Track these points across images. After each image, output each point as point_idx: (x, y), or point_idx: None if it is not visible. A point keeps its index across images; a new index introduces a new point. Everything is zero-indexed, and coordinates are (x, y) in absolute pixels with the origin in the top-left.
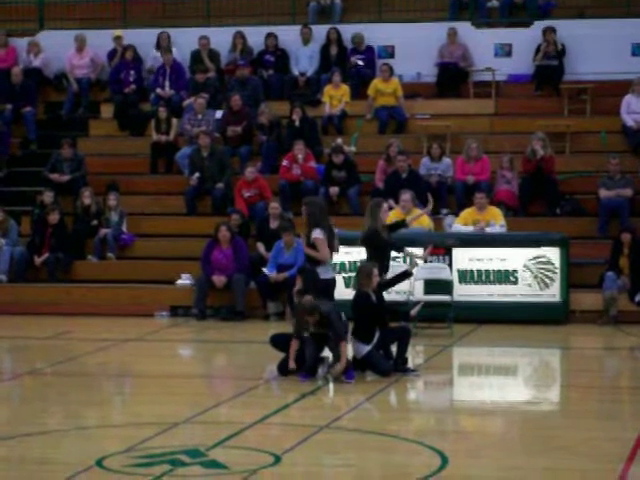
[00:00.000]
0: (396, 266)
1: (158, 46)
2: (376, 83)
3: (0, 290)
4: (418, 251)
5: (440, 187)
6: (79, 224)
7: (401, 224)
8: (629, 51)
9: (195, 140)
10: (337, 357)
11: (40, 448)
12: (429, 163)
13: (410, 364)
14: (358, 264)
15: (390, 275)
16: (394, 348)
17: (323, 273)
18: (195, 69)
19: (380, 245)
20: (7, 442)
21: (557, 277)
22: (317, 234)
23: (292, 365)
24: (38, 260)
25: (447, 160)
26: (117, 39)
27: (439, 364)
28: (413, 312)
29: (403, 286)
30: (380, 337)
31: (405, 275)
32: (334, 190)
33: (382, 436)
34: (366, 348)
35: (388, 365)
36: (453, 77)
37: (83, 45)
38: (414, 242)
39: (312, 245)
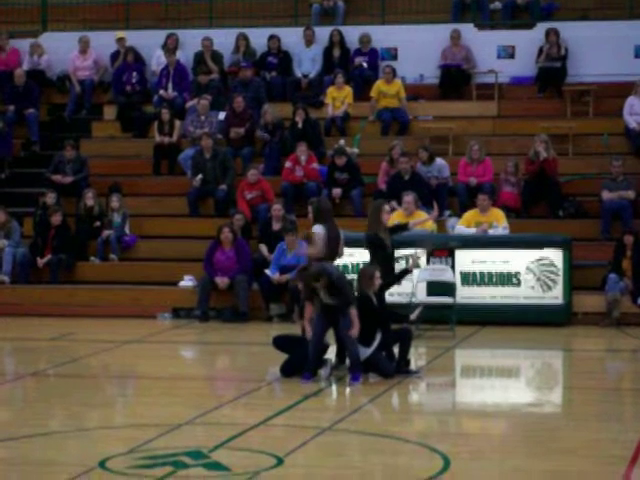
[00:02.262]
0: (399, 267)
1: (165, 46)
2: (379, 85)
3: (3, 291)
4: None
5: (441, 189)
6: (82, 225)
7: (403, 227)
8: (632, 53)
9: (198, 142)
10: (341, 358)
11: (42, 449)
12: (423, 167)
13: (412, 366)
14: (360, 266)
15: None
16: (396, 350)
17: None
18: (198, 71)
19: (380, 247)
20: (9, 443)
21: (560, 279)
22: (316, 229)
23: (309, 332)
24: (41, 261)
25: (439, 161)
26: (120, 40)
27: (441, 366)
28: (413, 316)
29: (406, 288)
30: (382, 339)
31: (404, 273)
32: (337, 192)
33: (385, 438)
34: (367, 351)
35: (390, 367)
36: (456, 79)
37: (86, 47)
38: (416, 244)
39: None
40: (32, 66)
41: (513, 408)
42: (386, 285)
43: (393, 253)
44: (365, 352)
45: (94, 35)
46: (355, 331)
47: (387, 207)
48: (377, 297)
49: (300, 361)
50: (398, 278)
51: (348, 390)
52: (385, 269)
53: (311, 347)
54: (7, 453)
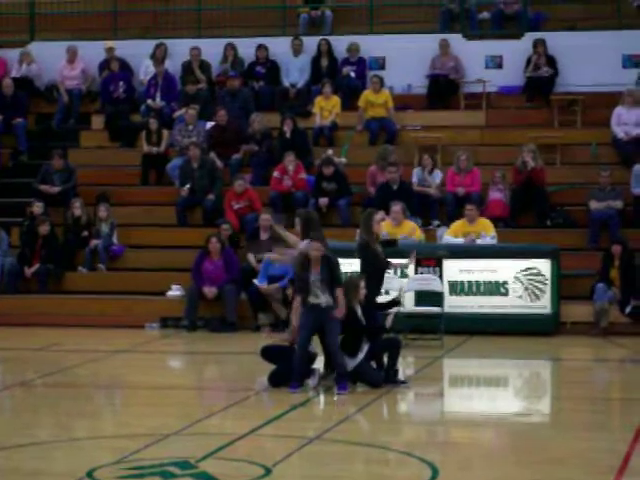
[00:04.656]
0: (388, 278)
1: (154, 56)
2: (367, 94)
3: None
4: (403, 261)
5: (432, 199)
6: (69, 235)
7: (392, 243)
8: (620, 63)
9: (186, 151)
10: (329, 368)
11: (31, 459)
12: (424, 175)
13: (401, 375)
14: (348, 276)
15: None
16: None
17: None
18: (186, 80)
19: (372, 255)
20: None
21: (548, 289)
22: (303, 245)
23: (295, 320)
24: (28, 271)
25: (437, 171)
26: (109, 50)
27: (430, 375)
28: (387, 324)
29: (393, 296)
30: (370, 348)
31: (393, 303)
32: (323, 201)
33: (373, 448)
34: (352, 362)
35: (378, 376)
36: (444, 89)
37: (74, 56)
38: (404, 254)
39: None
40: (22, 74)
41: (501, 418)
42: (375, 307)
43: (385, 262)
44: (351, 363)
45: (82, 44)
46: (340, 312)
47: (378, 216)
48: (365, 309)
49: (288, 371)
50: (386, 307)
51: (336, 400)
52: (376, 277)
53: (296, 356)
54: None
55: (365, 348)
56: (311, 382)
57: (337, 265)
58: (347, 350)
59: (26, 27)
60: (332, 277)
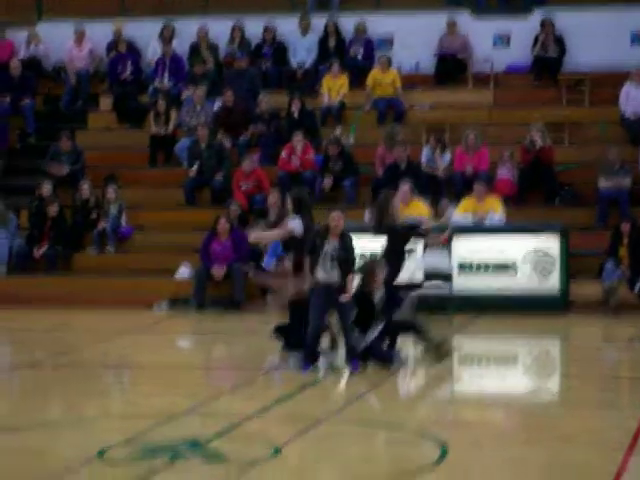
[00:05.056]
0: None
1: (161, 36)
2: (374, 74)
3: None
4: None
5: (441, 179)
6: (78, 217)
7: (418, 232)
8: (628, 40)
9: (194, 132)
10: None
11: (41, 440)
12: (435, 156)
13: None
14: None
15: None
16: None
17: None
18: (194, 61)
19: (395, 238)
20: (8, 434)
21: (556, 267)
22: (291, 223)
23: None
24: (37, 252)
25: (448, 154)
26: (117, 31)
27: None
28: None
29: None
30: (384, 328)
31: (415, 286)
32: (327, 182)
33: (383, 427)
34: (363, 341)
35: (390, 356)
36: (451, 67)
37: (82, 37)
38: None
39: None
40: (29, 55)
41: (511, 396)
42: (396, 288)
43: (405, 242)
44: (362, 342)
45: (90, 25)
46: (348, 297)
47: (395, 199)
48: (387, 288)
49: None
50: (409, 287)
51: (346, 379)
52: (398, 258)
53: (309, 335)
54: (6, 443)
55: (377, 327)
56: (322, 361)
57: (353, 247)
58: (359, 329)
59: (33, 8)
60: (347, 256)
